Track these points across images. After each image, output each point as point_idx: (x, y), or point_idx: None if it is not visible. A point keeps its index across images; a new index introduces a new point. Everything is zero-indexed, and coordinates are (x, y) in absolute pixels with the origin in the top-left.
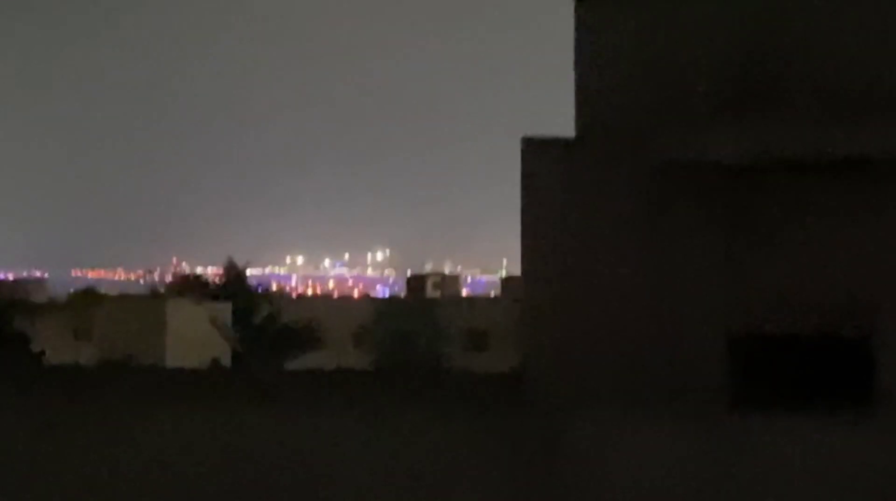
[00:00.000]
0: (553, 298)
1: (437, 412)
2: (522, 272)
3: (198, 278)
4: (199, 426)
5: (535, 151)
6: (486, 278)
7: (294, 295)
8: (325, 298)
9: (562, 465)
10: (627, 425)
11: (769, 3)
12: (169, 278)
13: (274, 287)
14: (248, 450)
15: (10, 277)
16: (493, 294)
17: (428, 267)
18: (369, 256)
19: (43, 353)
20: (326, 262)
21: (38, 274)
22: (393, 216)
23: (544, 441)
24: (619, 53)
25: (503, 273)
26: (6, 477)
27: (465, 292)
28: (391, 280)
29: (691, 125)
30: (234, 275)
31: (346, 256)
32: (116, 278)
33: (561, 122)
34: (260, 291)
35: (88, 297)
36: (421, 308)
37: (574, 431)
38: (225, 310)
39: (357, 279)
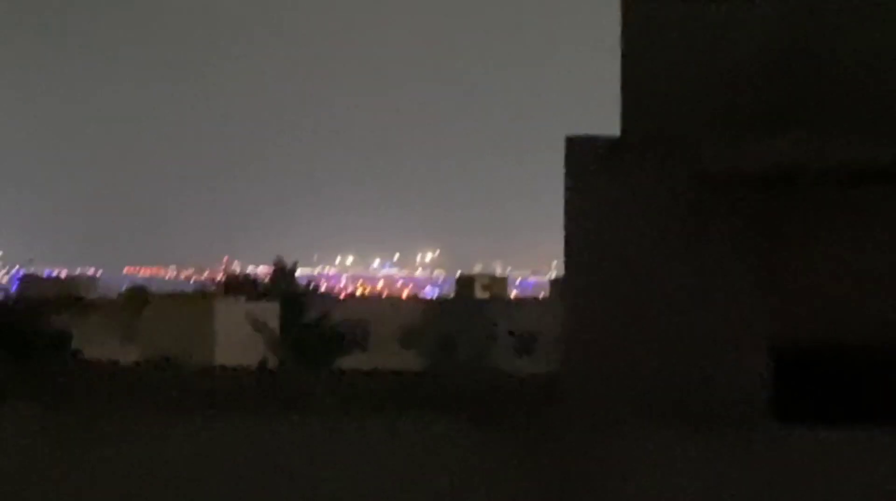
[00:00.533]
0: (594, 302)
1: (473, 419)
2: (565, 272)
3: (247, 277)
4: (239, 429)
5: (579, 150)
6: (534, 279)
7: (343, 295)
8: (374, 298)
9: (601, 474)
10: (666, 436)
11: (813, 17)
12: (219, 277)
13: (323, 287)
14: (281, 454)
15: (63, 274)
16: (541, 296)
17: (477, 268)
18: (419, 256)
19: (79, 351)
20: (376, 262)
21: (90, 271)
22: (443, 217)
23: (583, 450)
24: (665, 56)
25: (552, 275)
26: (44, 478)
27: (513, 294)
28: (440, 281)
29: (734, 134)
30: (284, 274)
31: (396, 256)
32: (168, 276)
33: (609, 121)
34: (309, 291)
35: (136, 296)
36: (469, 310)
37: (614, 439)
38: (272, 310)
39: (406, 280)
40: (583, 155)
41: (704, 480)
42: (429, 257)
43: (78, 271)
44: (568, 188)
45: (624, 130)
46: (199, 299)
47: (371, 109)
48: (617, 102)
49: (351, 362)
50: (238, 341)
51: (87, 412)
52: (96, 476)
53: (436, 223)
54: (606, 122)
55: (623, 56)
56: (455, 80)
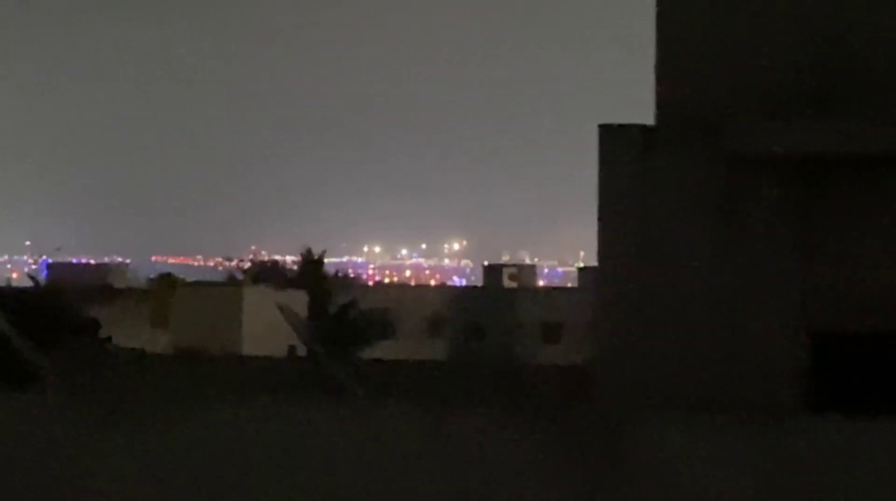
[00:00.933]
0: (627, 289)
1: (505, 408)
2: (598, 261)
3: (275, 265)
4: (266, 418)
5: (612, 137)
6: (562, 269)
7: (371, 283)
8: (402, 286)
9: (631, 465)
10: (699, 424)
11: (850, 3)
12: (247, 266)
13: (351, 275)
14: (314, 442)
15: (92, 261)
16: (569, 285)
17: (504, 257)
18: (446, 246)
19: (110, 338)
20: (403, 251)
21: (119, 260)
22: (470, 206)
23: (613, 441)
24: (699, 41)
25: (580, 264)
26: (72, 466)
27: (541, 283)
28: (467, 270)
29: (769, 117)
30: (311, 263)
31: (423, 245)
32: (196, 264)
33: (642, 110)
34: (337, 279)
35: (165, 283)
36: (497, 299)
37: (644, 430)
38: (300, 298)
39: (433, 269)
40: (616, 143)
41: (737, 471)
42: (456, 246)
43: (105, 259)
44: (601, 176)
45: (658, 117)
46: (228, 287)
47: (398, 99)
48: (648, 92)
49: (379, 350)
50: (267, 328)
51: (117, 399)
52: (125, 463)
53: (462, 213)
54: (636, 111)
55: (657, 43)
56: (482, 69)
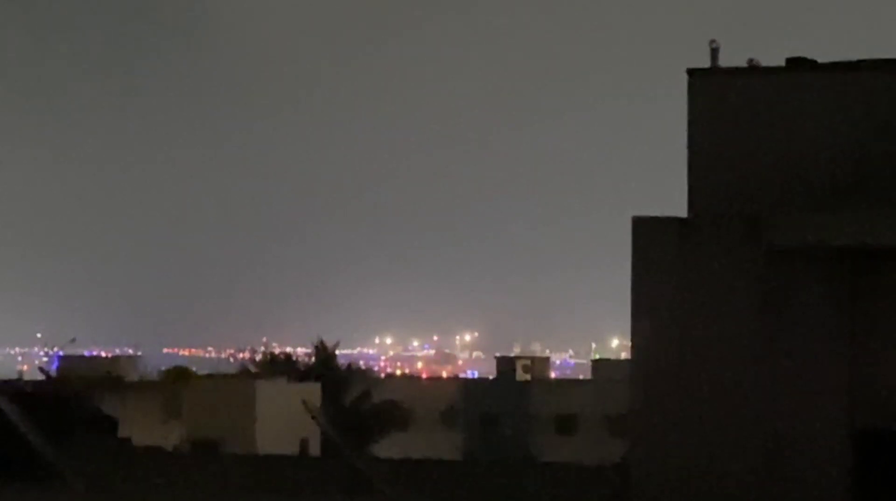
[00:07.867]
0: (664, 385)
1: None
2: (632, 355)
3: (288, 357)
4: None
5: (647, 230)
6: (573, 360)
7: (382, 375)
8: (414, 378)
9: None
10: None
11: (890, 92)
12: (259, 357)
13: (363, 367)
14: None
15: (103, 354)
16: (581, 377)
17: (516, 349)
18: (458, 337)
19: (129, 439)
20: (415, 342)
21: (130, 352)
22: (481, 298)
23: None
24: (734, 133)
25: (594, 355)
26: None
27: (553, 375)
28: (480, 362)
29: (811, 211)
30: (324, 355)
31: (435, 337)
32: (207, 356)
33: (649, 203)
34: (351, 370)
35: (179, 375)
36: (510, 390)
37: None
38: (315, 390)
39: (445, 360)
40: (651, 236)
41: None
42: (467, 337)
43: (117, 351)
44: (635, 269)
45: (691, 210)
46: (241, 379)
47: (409, 190)
48: (654, 182)
49: (392, 441)
50: (280, 421)
51: (137, 496)
52: None
53: (474, 305)
54: (637, 201)
55: (689, 134)
56: (496, 163)
